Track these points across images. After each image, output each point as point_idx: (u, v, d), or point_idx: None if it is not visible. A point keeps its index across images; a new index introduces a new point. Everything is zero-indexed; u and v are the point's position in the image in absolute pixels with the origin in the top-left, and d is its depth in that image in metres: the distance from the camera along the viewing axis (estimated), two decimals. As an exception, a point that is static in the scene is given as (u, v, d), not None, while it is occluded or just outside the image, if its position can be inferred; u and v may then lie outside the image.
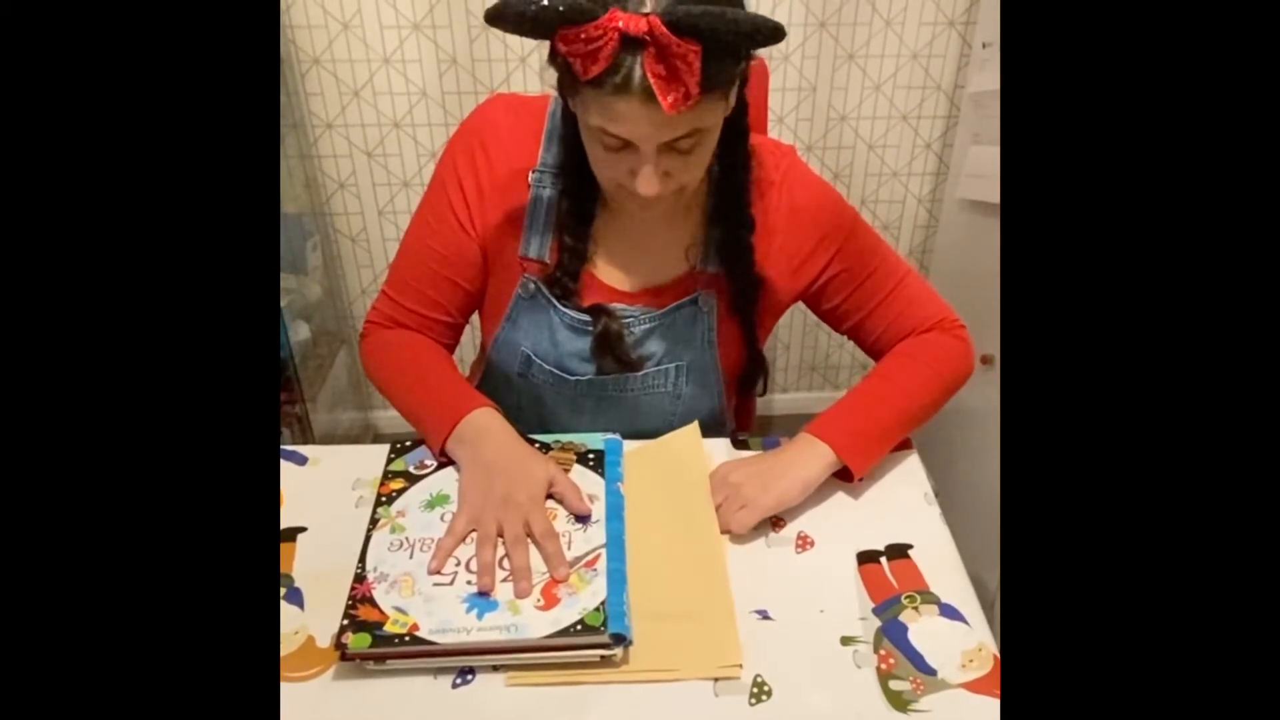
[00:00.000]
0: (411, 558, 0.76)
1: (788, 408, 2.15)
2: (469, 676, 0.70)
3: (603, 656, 0.70)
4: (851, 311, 0.97)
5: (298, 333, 1.74)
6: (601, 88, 0.71)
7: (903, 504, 0.88)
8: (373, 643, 0.69)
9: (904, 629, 0.75)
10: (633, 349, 0.94)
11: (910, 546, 0.83)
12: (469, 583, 0.74)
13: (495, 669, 0.71)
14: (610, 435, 0.91)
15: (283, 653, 0.72)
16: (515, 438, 0.85)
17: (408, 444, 0.90)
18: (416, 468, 0.87)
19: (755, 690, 0.70)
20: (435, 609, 0.71)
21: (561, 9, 0.68)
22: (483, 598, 0.72)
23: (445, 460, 0.87)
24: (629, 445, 0.91)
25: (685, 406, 0.99)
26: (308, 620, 0.75)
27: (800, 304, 1.00)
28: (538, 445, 0.88)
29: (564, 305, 0.92)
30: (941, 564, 0.81)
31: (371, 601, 0.72)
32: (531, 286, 0.93)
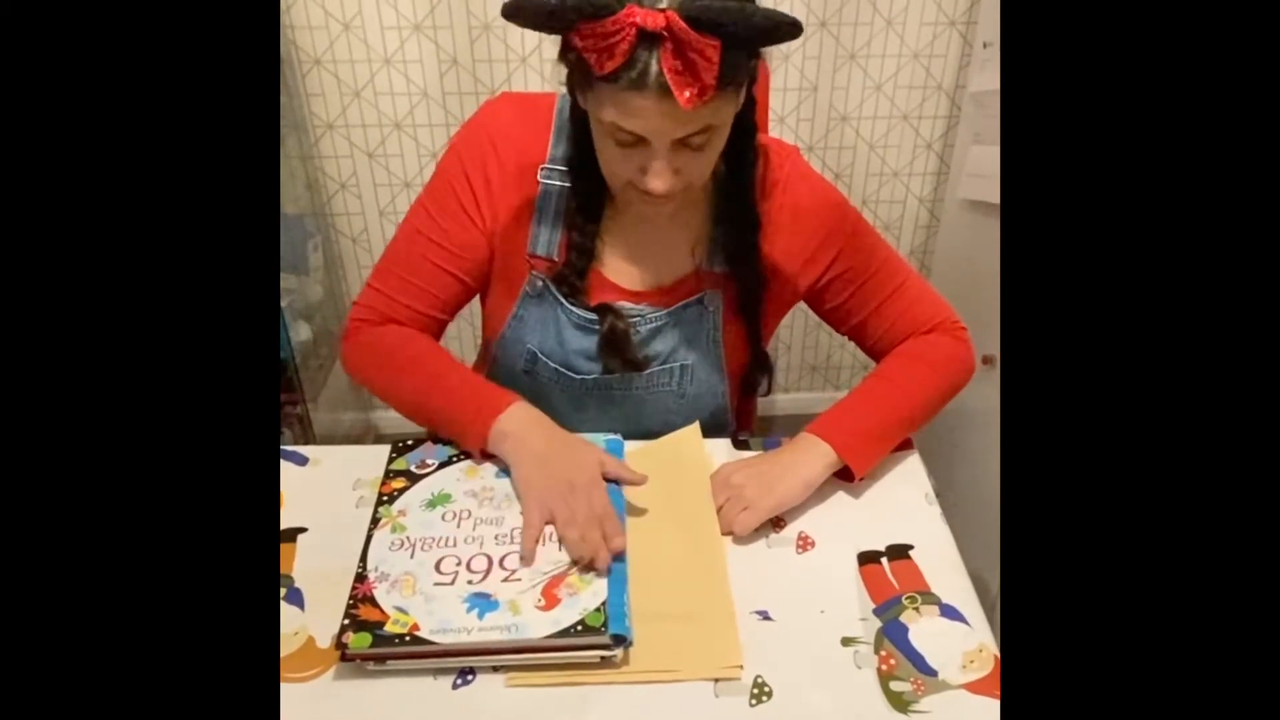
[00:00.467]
0: (412, 557, 0.76)
1: (789, 408, 2.15)
2: (469, 677, 0.70)
3: (603, 657, 0.70)
4: (853, 312, 0.97)
5: (299, 333, 1.74)
6: (617, 83, 0.71)
7: (903, 504, 0.88)
8: (373, 642, 0.69)
9: (905, 630, 0.75)
10: (639, 348, 0.94)
11: (911, 547, 0.83)
12: (469, 582, 0.74)
13: (495, 670, 0.71)
14: (611, 436, 0.91)
15: (283, 653, 0.72)
16: (556, 427, 0.85)
17: (409, 443, 0.90)
18: (418, 467, 0.87)
19: (755, 691, 0.70)
20: (436, 609, 0.71)
21: (580, 4, 0.68)
22: (483, 598, 0.72)
23: (448, 461, 0.87)
24: (630, 445, 0.91)
25: (689, 406, 0.99)
26: (308, 621, 0.75)
27: (801, 304, 1.00)
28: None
29: (571, 303, 0.92)
30: (942, 564, 0.81)
31: (372, 601, 0.72)
32: (539, 284, 0.92)
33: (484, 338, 1.05)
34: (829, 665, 0.72)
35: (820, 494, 0.87)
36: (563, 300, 0.92)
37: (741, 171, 0.90)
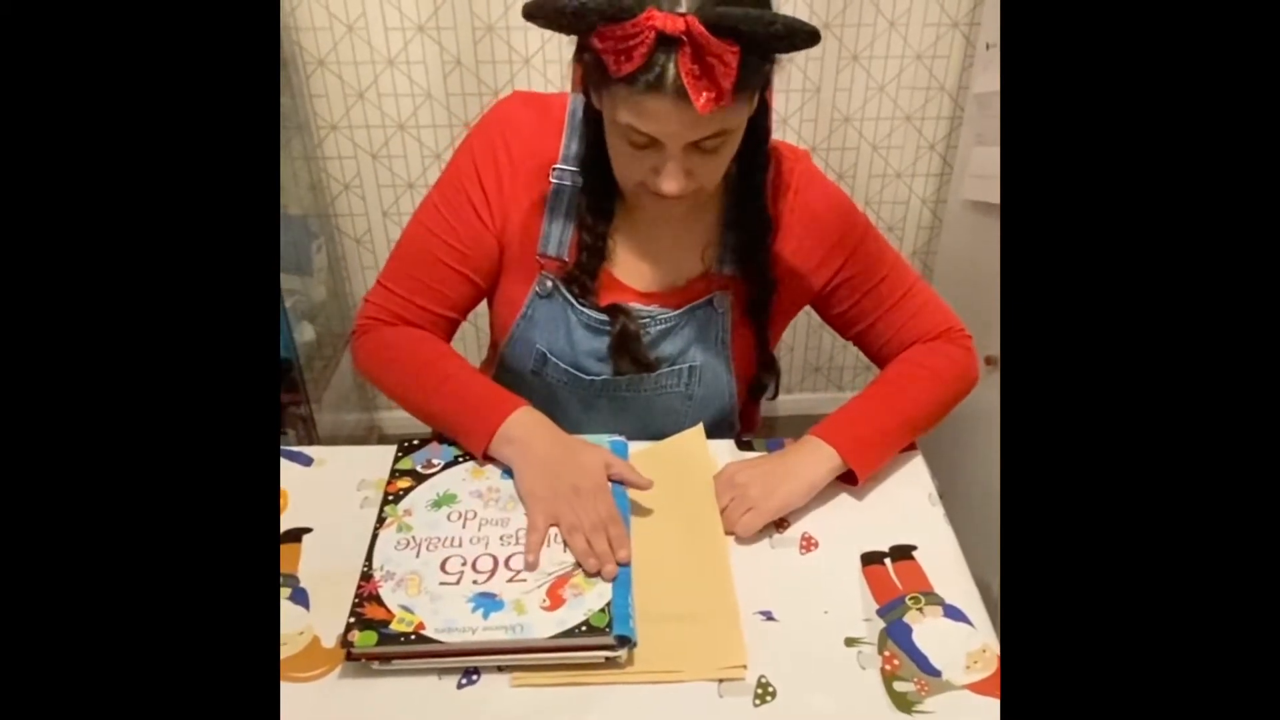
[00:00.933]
0: (418, 557, 0.76)
1: (791, 409, 2.15)
2: (474, 677, 0.71)
3: (607, 658, 0.70)
4: (859, 317, 0.98)
5: (303, 334, 1.74)
6: (634, 85, 0.72)
7: (907, 505, 0.89)
8: (379, 640, 0.69)
9: (908, 630, 0.75)
10: (649, 349, 0.94)
11: (914, 548, 0.83)
12: (475, 582, 0.74)
13: (500, 670, 0.71)
14: (615, 437, 0.91)
15: (288, 653, 0.72)
16: (560, 432, 0.86)
17: (415, 443, 0.90)
18: (424, 467, 0.87)
19: (759, 691, 0.70)
20: (441, 608, 0.71)
21: (601, 6, 0.68)
22: (489, 598, 0.72)
23: (453, 461, 0.87)
24: (634, 446, 0.91)
25: (697, 407, 0.99)
26: (312, 621, 0.75)
27: (806, 306, 1.00)
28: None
29: (582, 304, 0.92)
30: (946, 565, 0.82)
31: (378, 599, 0.72)
32: (549, 284, 0.92)
33: (492, 338, 1.05)
34: (833, 666, 0.72)
35: (824, 495, 0.87)
36: (573, 301, 0.92)
37: (753, 175, 0.90)
